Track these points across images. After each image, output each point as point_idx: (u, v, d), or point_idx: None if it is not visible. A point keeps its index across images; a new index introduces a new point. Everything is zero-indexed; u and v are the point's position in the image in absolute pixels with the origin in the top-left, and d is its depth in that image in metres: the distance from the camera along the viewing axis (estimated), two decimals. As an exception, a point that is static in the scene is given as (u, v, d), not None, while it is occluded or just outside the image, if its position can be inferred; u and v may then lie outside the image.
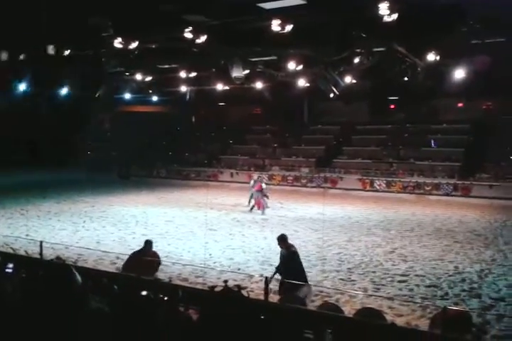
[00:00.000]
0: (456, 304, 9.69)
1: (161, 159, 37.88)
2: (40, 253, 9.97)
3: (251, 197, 21.88)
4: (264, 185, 21.87)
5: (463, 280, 11.45)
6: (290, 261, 9.30)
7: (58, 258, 6.28)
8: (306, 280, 9.18)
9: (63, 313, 4.05)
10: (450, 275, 11.81)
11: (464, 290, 10.69)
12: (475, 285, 11.03)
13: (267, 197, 21.51)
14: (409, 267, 12.54)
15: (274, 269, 12.14)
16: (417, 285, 11.03)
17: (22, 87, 20.16)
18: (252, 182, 22.20)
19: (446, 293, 10.49)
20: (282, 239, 9.57)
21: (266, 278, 7.91)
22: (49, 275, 4.64)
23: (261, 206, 20.95)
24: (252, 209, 21.35)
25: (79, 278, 4.44)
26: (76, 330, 4.06)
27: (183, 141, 41.24)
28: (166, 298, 5.01)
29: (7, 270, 5.96)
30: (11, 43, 14.33)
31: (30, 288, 4.72)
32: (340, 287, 10.75)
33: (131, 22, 12.74)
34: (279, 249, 14.29)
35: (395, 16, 10.82)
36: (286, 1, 10.90)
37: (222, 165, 36.07)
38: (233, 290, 4.25)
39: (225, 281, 4.75)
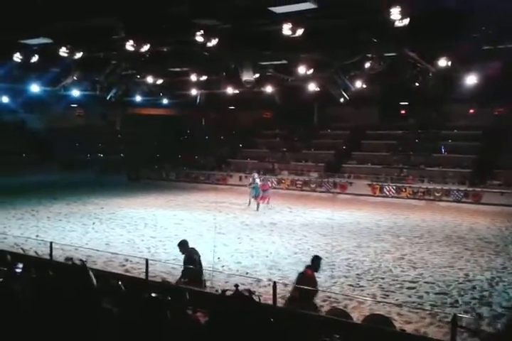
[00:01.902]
0: (466, 312, 9.60)
1: (170, 162, 37.98)
2: (50, 254, 10.02)
3: (255, 195, 22.90)
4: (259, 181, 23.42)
5: (473, 287, 11.34)
6: (188, 264, 9.33)
7: (68, 259, 6.29)
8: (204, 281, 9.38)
9: (78, 313, 4.06)
10: (460, 283, 11.71)
11: (474, 298, 10.59)
12: (485, 293, 10.93)
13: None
14: (419, 274, 12.45)
15: (282, 274, 12.18)
16: (427, 293, 10.94)
17: (34, 87, 20.48)
18: (256, 180, 23.19)
19: (456, 301, 10.40)
20: (181, 245, 9.53)
21: (274, 282, 7.87)
22: (65, 276, 4.65)
23: (266, 200, 22.65)
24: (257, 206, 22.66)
25: (94, 279, 4.45)
26: (89, 329, 4.06)
27: (192, 144, 41.35)
28: (173, 301, 4.99)
29: (17, 270, 5.99)
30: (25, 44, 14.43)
31: (42, 288, 4.74)
32: (349, 293, 10.70)
33: (143, 25, 12.78)
34: (287, 254, 14.35)
35: (406, 21, 10.78)
36: (297, 5, 10.85)
37: (231, 169, 36.08)
38: (245, 295, 4.23)
39: (236, 285, 4.72)
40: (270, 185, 24.84)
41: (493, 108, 32.21)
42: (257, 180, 23.27)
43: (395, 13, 10.68)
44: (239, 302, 4.12)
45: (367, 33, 13.30)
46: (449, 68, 14.80)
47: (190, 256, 9.39)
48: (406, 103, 34.10)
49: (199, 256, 9.46)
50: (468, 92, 18.18)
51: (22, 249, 12.39)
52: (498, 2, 10.75)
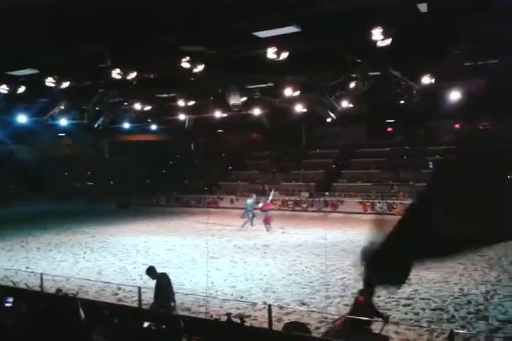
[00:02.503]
0: (462, 327, 9.56)
1: (160, 187, 37.86)
2: (41, 286, 9.88)
3: (252, 216, 23.75)
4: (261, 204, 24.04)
5: (469, 302, 11.30)
6: (158, 289, 9.29)
7: (58, 290, 6.22)
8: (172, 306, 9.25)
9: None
10: (455, 298, 11.66)
11: (470, 313, 10.54)
12: (481, 307, 10.89)
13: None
14: (414, 290, 12.38)
15: (276, 296, 12.08)
16: (423, 309, 10.89)
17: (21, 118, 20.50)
18: (259, 203, 24.00)
19: (453, 316, 10.35)
20: (149, 272, 9.46)
21: (269, 305, 7.80)
22: (54, 309, 4.60)
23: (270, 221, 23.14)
24: (267, 228, 23.01)
25: (82, 312, 4.40)
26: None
27: (182, 168, 41.31)
28: (168, 329, 4.93)
29: (6, 304, 5.89)
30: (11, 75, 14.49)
31: (32, 322, 4.66)
32: (346, 313, 10.59)
33: (129, 53, 12.91)
34: (281, 275, 14.25)
35: (388, 41, 11.00)
36: (280, 30, 11.03)
37: (222, 192, 36.03)
38: (236, 323, 4.20)
39: (228, 314, 4.68)
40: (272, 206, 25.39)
41: (478, 123, 32.55)
42: (260, 204, 24.00)
43: (377, 33, 10.92)
44: (232, 329, 4.08)
45: (350, 53, 13.54)
46: (432, 85, 15.04)
47: (159, 281, 9.41)
48: (392, 120, 34.47)
49: (168, 281, 9.42)
50: (453, 108, 18.42)
51: (12, 281, 12.21)
52: (477, 19, 10.99)
